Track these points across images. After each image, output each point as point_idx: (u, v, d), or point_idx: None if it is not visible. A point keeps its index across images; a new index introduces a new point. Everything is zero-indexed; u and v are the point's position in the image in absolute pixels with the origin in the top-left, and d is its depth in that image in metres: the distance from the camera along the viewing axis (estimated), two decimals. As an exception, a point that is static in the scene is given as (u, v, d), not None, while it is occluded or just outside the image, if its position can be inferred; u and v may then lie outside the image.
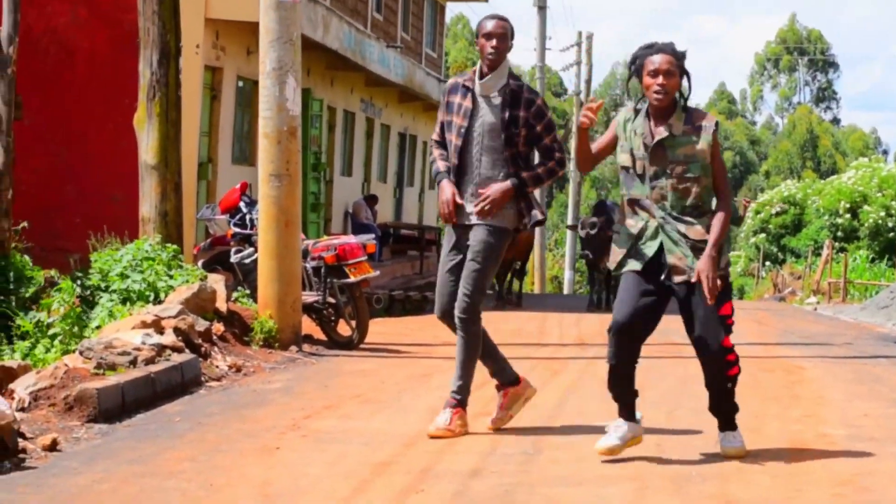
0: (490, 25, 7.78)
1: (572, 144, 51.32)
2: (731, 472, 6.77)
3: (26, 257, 12.42)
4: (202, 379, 9.84)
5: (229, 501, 6.01)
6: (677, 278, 6.94)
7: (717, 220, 6.95)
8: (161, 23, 13.22)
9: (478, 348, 7.78)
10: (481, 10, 70.89)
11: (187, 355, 9.82)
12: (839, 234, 44.60)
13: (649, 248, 6.99)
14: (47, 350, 10.47)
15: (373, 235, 17.03)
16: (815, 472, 6.81)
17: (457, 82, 7.89)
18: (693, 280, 6.88)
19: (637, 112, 7.10)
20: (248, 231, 13.53)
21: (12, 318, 11.21)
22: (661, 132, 6.98)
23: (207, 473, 6.58)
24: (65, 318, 10.63)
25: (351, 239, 13.48)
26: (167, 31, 13.26)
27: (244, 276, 13.38)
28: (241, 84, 20.94)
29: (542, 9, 42.81)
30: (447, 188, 7.74)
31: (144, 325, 10.05)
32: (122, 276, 11.90)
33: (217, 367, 10.46)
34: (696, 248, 6.91)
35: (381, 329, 14.73)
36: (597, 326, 15.03)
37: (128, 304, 11.62)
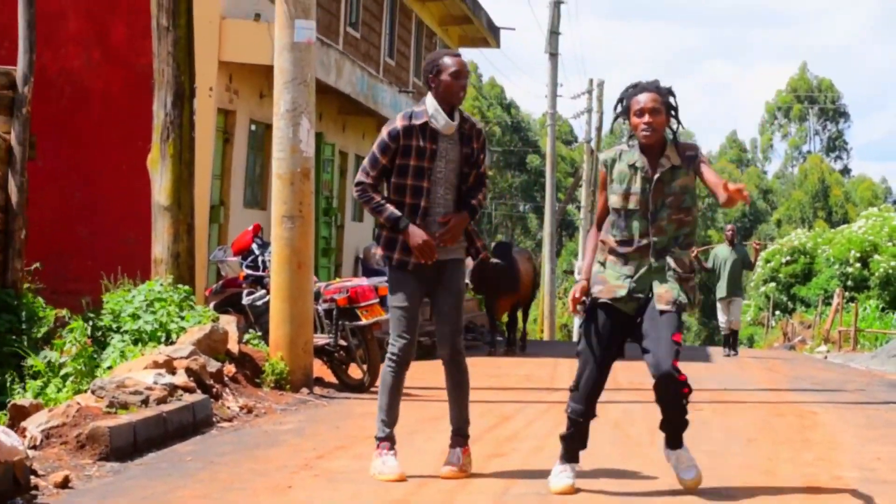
0: (457, 64, 7.65)
1: (582, 194, 51.56)
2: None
3: (39, 298, 12.44)
4: (214, 420, 9.83)
5: (242, 539, 5.98)
6: (660, 307, 7.05)
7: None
8: (175, 64, 13.29)
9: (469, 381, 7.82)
10: (493, 56, 71.21)
11: (199, 396, 9.82)
12: (849, 283, 44.47)
13: (643, 293, 7.10)
14: (59, 390, 10.47)
15: (385, 278, 17.01)
16: (831, 514, 6.79)
17: (411, 125, 7.62)
18: (662, 309, 7.05)
19: (621, 152, 7.21)
20: (260, 273, 13.55)
21: (24, 357, 11.21)
22: (664, 164, 7.09)
23: (220, 511, 6.56)
24: (77, 357, 10.64)
25: (363, 281, 13.50)
26: (181, 72, 13.32)
27: (256, 319, 13.38)
28: (253, 128, 20.98)
29: (553, 55, 42.94)
30: (417, 231, 7.63)
31: (156, 365, 10.05)
32: (134, 317, 11.91)
33: (228, 408, 10.45)
34: (682, 279, 7.08)
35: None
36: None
37: (139, 344, 11.63)
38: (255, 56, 18.59)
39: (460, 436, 7.77)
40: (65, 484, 7.06)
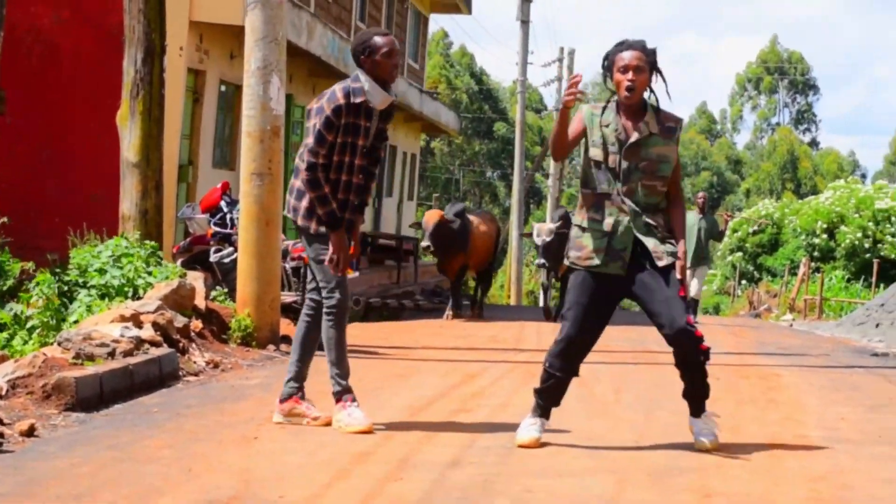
0: (389, 43, 7.63)
1: (550, 162, 51.49)
2: (709, 466, 6.80)
3: (6, 251, 12.39)
4: (180, 373, 9.84)
5: (210, 486, 5.99)
6: (660, 262, 7.01)
7: (680, 214, 7.18)
8: (146, 21, 13.23)
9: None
10: (465, 22, 71.04)
11: (165, 349, 9.81)
12: (816, 254, 44.76)
13: (626, 251, 7.06)
14: (25, 342, 10.45)
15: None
16: (793, 468, 6.84)
17: (356, 103, 7.59)
18: (663, 264, 7.01)
19: (604, 108, 7.16)
20: (228, 230, 13.52)
21: (-10, 310, 11.18)
22: (642, 129, 7.06)
23: (187, 460, 6.57)
24: (43, 310, 10.62)
25: (331, 240, 13.46)
26: (152, 29, 13.27)
27: (223, 276, 13.37)
28: (223, 88, 20.93)
29: (525, 23, 42.80)
30: (343, 242, 7.86)
31: (123, 318, 10.04)
32: (101, 272, 11.88)
33: (195, 362, 10.46)
34: (664, 239, 7.06)
35: (358, 332, 14.72)
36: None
37: (106, 299, 11.60)
38: (225, 16, 18.55)
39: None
40: (30, 433, 7.05)
